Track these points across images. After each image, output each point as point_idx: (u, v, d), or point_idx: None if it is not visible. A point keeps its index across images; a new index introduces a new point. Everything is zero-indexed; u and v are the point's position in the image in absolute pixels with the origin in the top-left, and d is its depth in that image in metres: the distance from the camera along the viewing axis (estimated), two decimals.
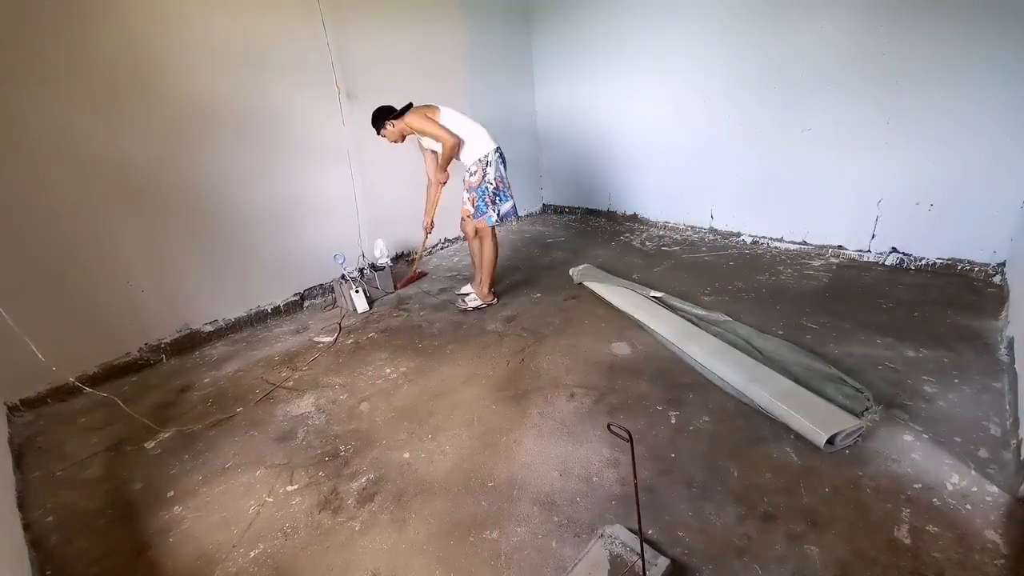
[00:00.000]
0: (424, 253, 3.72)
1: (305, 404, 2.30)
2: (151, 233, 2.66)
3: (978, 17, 2.66)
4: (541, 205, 5.47)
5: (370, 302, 3.29)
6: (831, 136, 3.34)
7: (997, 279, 2.92)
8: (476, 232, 3.02)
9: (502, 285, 3.49)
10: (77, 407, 2.42)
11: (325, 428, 2.12)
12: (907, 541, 1.42)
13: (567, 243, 4.38)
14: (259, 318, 3.19)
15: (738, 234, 4.03)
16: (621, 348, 2.55)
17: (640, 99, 4.25)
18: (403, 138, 2.92)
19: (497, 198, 2.93)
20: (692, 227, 4.32)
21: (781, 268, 3.44)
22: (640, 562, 1.30)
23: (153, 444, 2.09)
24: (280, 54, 2.99)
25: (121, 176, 2.52)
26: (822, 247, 3.61)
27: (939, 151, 2.97)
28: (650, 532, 1.50)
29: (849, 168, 3.32)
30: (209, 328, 2.98)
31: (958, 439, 1.77)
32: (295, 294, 3.37)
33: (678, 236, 4.31)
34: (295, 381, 2.49)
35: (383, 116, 2.83)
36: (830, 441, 1.72)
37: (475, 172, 2.85)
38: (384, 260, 3.51)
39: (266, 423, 2.18)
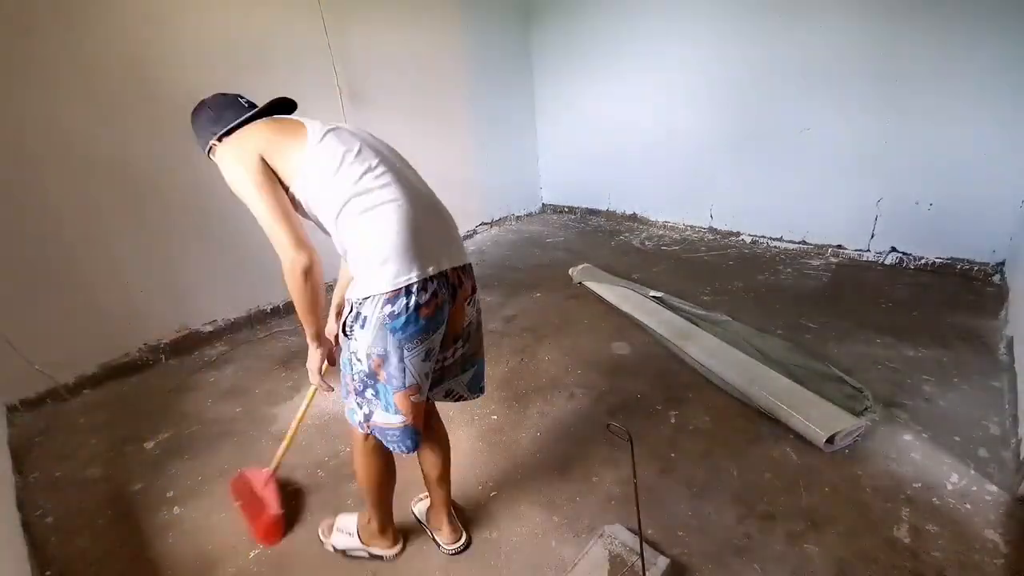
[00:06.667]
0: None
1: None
2: (150, 233, 2.66)
3: (979, 17, 2.66)
4: (541, 205, 5.47)
5: None
6: (830, 135, 3.34)
7: (996, 278, 2.92)
8: None
9: (502, 286, 3.48)
10: (77, 407, 2.41)
11: (325, 428, 2.12)
12: (907, 540, 1.42)
13: (567, 243, 4.37)
14: (259, 318, 3.19)
15: (737, 233, 4.04)
16: (621, 348, 2.55)
17: (640, 98, 4.24)
18: None
19: (368, 390, 1.24)
20: (691, 227, 4.32)
21: (780, 268, 3.44)
22: (640, 562, 1.30)
23: (152, 444, 2.09)
24: (281, 54, 2.98)
25: (121, 176, 2.52)
26: (821, 246, 3.61)
27: (938, 150, 2.97)
28: (650, 532, 1.50)
29: (848, 167, 3.32)
30: (209, 328, 2.98)
31: (958, 438, 1.77)
32: None
33: (677, 236, 4.31)
34: (295, 381, 2.49)
35: (206, 123, 1.26)
36: (830, 440, 1.72)
37: (348, 321, 1.24)
38: None
39: (266, 423, 2.18)
